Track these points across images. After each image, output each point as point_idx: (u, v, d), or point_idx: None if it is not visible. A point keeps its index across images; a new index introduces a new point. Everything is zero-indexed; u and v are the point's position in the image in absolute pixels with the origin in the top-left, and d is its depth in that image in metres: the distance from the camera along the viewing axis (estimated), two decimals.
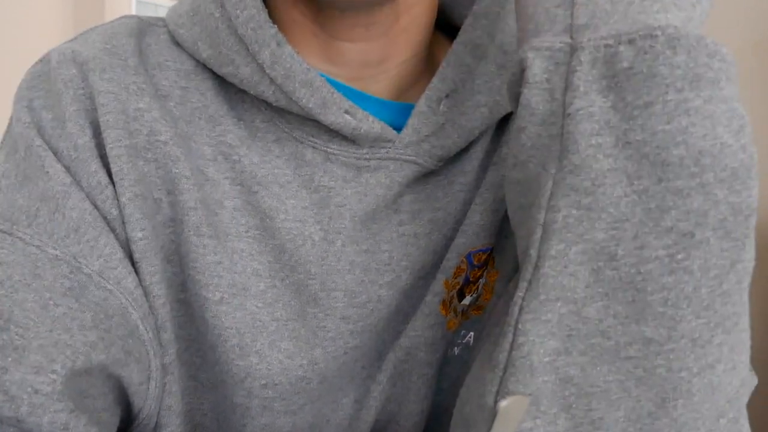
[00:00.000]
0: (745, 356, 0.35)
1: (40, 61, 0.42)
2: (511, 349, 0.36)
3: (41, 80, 0.41)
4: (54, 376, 0.34)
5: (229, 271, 0.41)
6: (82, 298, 0.37)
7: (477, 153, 0.46)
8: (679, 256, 0.32)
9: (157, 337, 0.40)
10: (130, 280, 0.38)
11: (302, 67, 0.39)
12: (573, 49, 0.31)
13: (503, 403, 0.27)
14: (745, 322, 0.34)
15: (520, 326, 0.37)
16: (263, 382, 0.42)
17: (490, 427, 0.27)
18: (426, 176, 0.44)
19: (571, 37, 0.31)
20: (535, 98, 0.32)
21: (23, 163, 0.39)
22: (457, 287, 0.46)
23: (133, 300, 0.38)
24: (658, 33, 0.30)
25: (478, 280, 0.46)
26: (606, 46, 0.31)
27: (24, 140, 0.39)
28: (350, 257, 0.42)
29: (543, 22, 0.32)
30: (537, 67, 0.32)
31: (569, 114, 0.31)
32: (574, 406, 0.36)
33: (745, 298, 0.33)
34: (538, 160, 0.33)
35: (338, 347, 0.43)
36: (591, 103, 0.31)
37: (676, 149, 0.31)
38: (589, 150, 0.32)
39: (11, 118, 0.41)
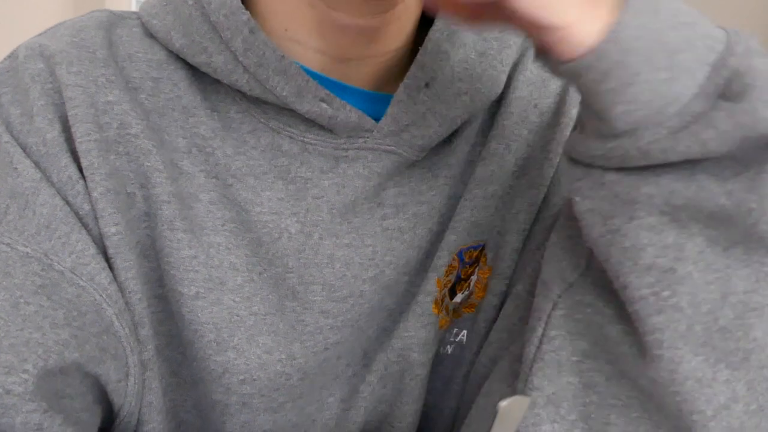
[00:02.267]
0: None
1: (8, 56, 0.41)
2: (541, 343, 0.37)
3: (9, 75, 0.40)
4: (26, 376, 0.34)
5: (205, 266, 0.40)
6: (54, 296, 0.36)
7: (462, 146, 0.45)
8: (665, 294, 0.31)
9: (134, 333, 0.40)
10: (104, 276, 0.38)
11: (276, 54, 0.39)
12: None
13: (503, 403, 0.27)
14: (763, 358, 0.32)
15: (553, 320, 0.37)
16: (241, 377, 0.41)
17: (491, 426, 0.27)
18: (410, 169, 0.44)
19: None
20: None
21: None
22: (449, 285, 0.46)
23: (107, 296, 0.38)
24: None
25: (470, 277, 0.46)
26: None
27: None
28: (329, 250, 0.42)
29: None
30: None
31: None
32: (593, 416, 0.35)
33: (759, 333, 0.31)
34: None
35: (318, 342, 0.42)
36: None
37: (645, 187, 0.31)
38: None
39: None
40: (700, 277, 0.31)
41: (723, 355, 0.31)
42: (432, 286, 0.45)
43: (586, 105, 0.33)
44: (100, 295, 0.37)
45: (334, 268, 0.42)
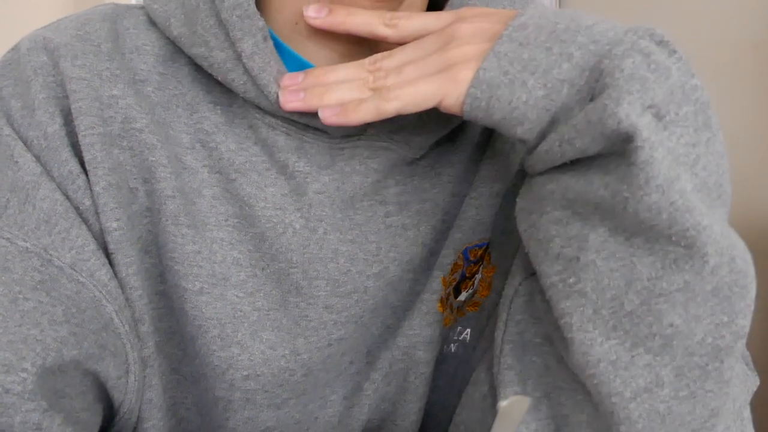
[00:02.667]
0: (713, 384, 0.34)
1: (12, 49, 0.41)
2: (506, 326, 0.40)
3: (11, 68, 0.40)
4: (24, 375, 0.33)
5: (208, 261, 0.40)
6: (53, 292, 0.36)
7: (465, 145, 0.45)
8: (571, 281, 0.34)
9: (134, 329, 0.39)
10: (104, 272, 0.37)
11: (278, 64, 0.39)
12: None
13: (503, 403, 0.27)
14: (690, 345, 0.33)
15: (515, 306, 0.40)
16: (245, 373, 0.41)
17: (490, 426, 0.27)
18: (412, 166, 0.44)
19: None
20: None
21: None
22: (454, 283, 0.45)
23: (106, 292, 0.37)
24: None
25: (474, 275, 0.46)
26: None
27: None
28: (333, 245, 0.42)
29: None
30: None
31: None
32: (551, 395, 0.38)
33: (676, 319, 0.32)
34: None
35: (321, 338, 0.42)
36: None
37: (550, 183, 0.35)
38: None
39: None
40: (603, 265, 0.33)
41: (639, 340, 0.33)
42: (437, 285, 0.45)
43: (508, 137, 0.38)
44: (100, 292, 0.37)
45: (338, 263, 0.42)
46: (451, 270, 0.45)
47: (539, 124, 0.35)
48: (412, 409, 0.46)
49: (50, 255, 0.36)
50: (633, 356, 0.33)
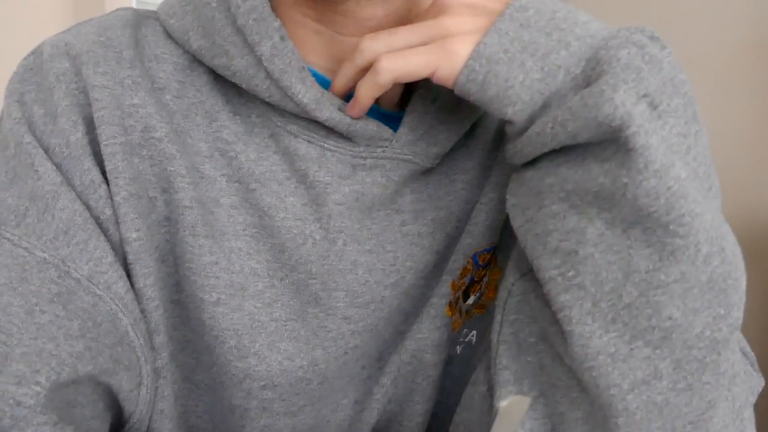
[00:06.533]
0: (710, 376, 0.34)
1: (33, 53, 0.41)
2: (501, 327, 0.40)
3: (33, 73, 0.39)
4: (38, 389, 0.33)
5: (226, 272, 0.40)
6: (69, 305, 0.35)
7: (478, 150, 0.46)
8: (570, 274, 0.34)
9: (148, 341, 0.39)
10: (121, 285, 0.37)
11: (299, 65, 0.39)
12: None
13: (503, 403, 0.27)
14: (689, 338, 0.33)
15: (509, 306, 0.40)
16: (262, 383, 0.41)
17: (491, 426, 0.27)
18: (426, 175, 0.44)
19: None
20: None
21: (13, 161, 0.38)
22: (463, 288, 0.46)
23: (123, 305, 0.37)
24: None
25: (482, 279, 0.46)
26: None
27: (14, 137, 0.38)
28: (352, 256, 0.42)
29: None
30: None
31: None
32: (547, 394, 0.38)
33: (675, 312, 0.33)
34: None
35: (339, 348, 0.42)
36: None
37: (548, 179, 0.35)
38: None
39: (2, 113, 0.40)
40: (601, 258, 0.33)
41: (638, 333, 0.33)
42: (446, 289, 0.45)
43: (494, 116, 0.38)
44: (116, 305, 0.37)
45: (357, 275, 0.42)
46: (461, 274, 0.45)
47: (531, 106, 0.35)
48: (418, 411, 0.46)
49: (68, 267, 0.36)
50: (632, 349, 0.33)
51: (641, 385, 0.33)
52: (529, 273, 0.39)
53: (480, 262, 0.45)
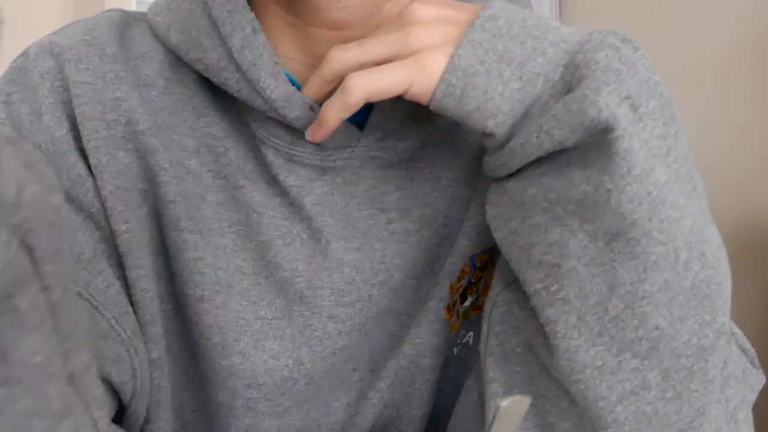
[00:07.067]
0: (698, 383, 0.34)
1: (21, 54, 0.41)
2: (488, 338, 0.40)
3: (20, 73, 0.40)
4: None
5: (211, 268, 0.40)
6: None
7: (465, 150, 0.45)
8: (554, 288, 0.34)
9: (139, 333, 0.39)
10: (100, 280, 0.37)
11: (271, 59, 0.38)
12: None
13: (503, 403, 0.27)
14: (676, 347, 0.33)
15: (494, 317, 0.40)
16: (247, 382, 0.41)
17: (490, 426, 0.27)
18: (410, 171, 0.43)
19: None
20: None
21: None
22: (461, 290, 0.45)
23: (103, 300, 0.37)
24: None
25: (480, 280, 0.46)
26: None
27: None
28: (338, 255, 0.41)
29: None
30: None
31: None
32: (537, 404, 0.38)
33: (661, 321, 0.32)
34: None
35: (326, 347, 0.42)
36: None
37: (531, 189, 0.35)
38: None
39: None
40: (585, 271, 0.33)
41: (626, 345, 0.33)
42: (445, 293, 0.44)
43: (473, 130, 0.37)
44: (96, 301, 0.37)
45: (343, 273, 0.42)
46: (458, 277, 0.45)
47: (512, 117, 0.34)
48: (416, 415, 0.46)
49: None
50: (619, 361, 0.33)
51: (630, 397, 0.33)
52: (514, 283, 0.39)
53: (477, 264, 0.45)
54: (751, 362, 0.42)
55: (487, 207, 0.38)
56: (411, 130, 0.42)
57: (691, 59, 1.48)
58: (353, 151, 0.41)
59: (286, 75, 0.39)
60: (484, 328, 0.40)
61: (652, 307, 0.32)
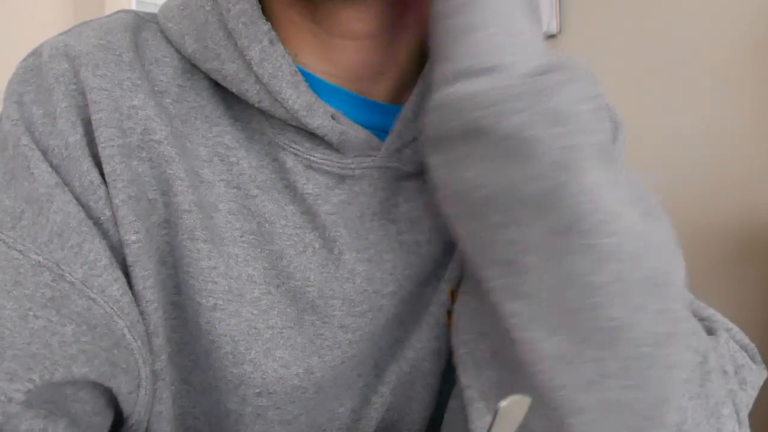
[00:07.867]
0: (659, 371, 0.34)
1: (32, 54, 0.41)
2: (457, 348, 0.40)
3: (33, 74, 0.39)
4: (30, 385, 0.33)
5: (224, 277, 0.40)
6: (63, 309, 0.35)
7: None
8: (513, 283, 0.34)
9: (147, 344, 0.39)
10: (116, 288, 0.37)
11: (291, 69, 0.38)
12: None
13: (503, 403, 0.27)
14: (634, 336, 0.33)
15: (460, 326, 0.40)
16: (257, 390, 0.41)
17: (490, 426, 0.27)
18: (419, 183, 0.44)
19: None
20: None
21: (11, 162, 0.37)
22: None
23: (118, 308, 0.37)
24: None
25: None
26: None
27: (12, 138, 0.38)
28: (350, 265, 0.42)
29: None
30: None
31: None
32: None
33: (617, 311, 0.33)
34: None
35: (335, 356, 0.42)
36: None
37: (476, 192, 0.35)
38: None
39: (1, 114, 0.40)
40: (540, 265, 0.33)
41: (585, 335, 0.33)
42: (444, 297, 0.44)
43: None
44: (111, 308, 0.36)
45: (355, 283, 0.42)
46: (458, 283, 0.45)
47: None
48: (417, 418, 0.46)
49: (62, 270, 0.35)
50: (581, 351, 0.34)
51: (592, 385, 0.34)
52: (471, 291, 0.40)
53: None
54: (752, 358, 0.42)
55: (444, 207, 0.38)
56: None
57: (691, 59, 1.48)
58: (373, 161, 0.41)
59: (308, 76, 0.39)
60: (453, 339, 0.40)
61: (606, 297, 0.33)
